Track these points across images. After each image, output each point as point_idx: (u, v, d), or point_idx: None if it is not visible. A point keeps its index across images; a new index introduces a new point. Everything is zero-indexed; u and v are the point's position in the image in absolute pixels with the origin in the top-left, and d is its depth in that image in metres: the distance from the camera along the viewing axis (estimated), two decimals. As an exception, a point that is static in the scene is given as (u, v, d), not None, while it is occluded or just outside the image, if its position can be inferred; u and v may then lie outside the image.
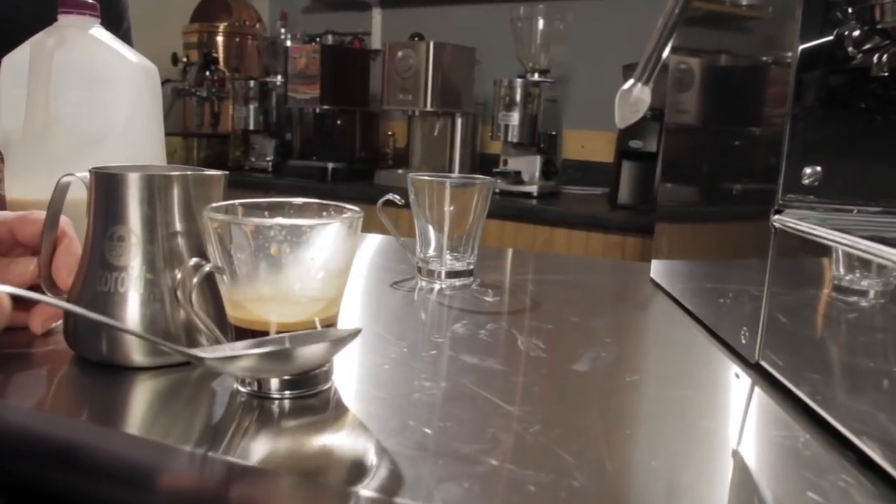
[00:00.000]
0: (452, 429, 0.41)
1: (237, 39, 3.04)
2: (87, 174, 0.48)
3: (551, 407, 0.45)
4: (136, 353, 0.47)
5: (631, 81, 0.49)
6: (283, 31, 2.99)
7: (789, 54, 0.52)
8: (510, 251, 1.09)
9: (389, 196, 0.76)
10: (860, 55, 0.53)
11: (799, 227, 0.48)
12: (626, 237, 1.95)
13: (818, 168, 0.51)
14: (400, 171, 2.49)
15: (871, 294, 0.41)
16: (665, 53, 0.49)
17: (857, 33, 0.52)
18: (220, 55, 2.99)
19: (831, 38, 0.53)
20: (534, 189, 2.27)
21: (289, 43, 2.80)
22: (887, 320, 0.40)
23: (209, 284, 0.47)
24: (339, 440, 0.40)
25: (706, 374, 0.55)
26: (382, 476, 0.35)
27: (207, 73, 2.93)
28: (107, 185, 0.47)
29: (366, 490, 0.34)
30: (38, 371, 0.48)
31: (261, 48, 3.04)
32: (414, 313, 0.67)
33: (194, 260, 0.41)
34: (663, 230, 0.82)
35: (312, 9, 3.16)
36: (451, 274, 0.77)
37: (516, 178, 2.28)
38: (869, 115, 0.55)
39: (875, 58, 0.52)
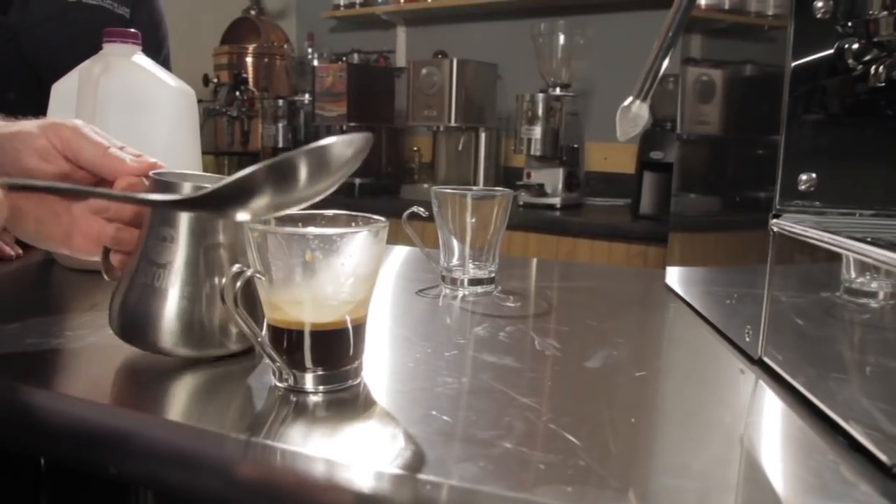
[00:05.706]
0: (471, 417, 0.45)
1: (266, 60, 3.12)
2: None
3: (562, 399, 0.49)
4: (179, 344, 0.51)
5: (630, 98, 0.53)
6: (310, 50, 3.07)
7: (784, 68, 0.56)
8: (534, 261, 1.12)
9: (414, 209, 0.80)
10: (860, 66, 0.56)
11: (794, 230, 0.51)
12: (648, 247, 1.97)
13: (813, 175, 0.55)
14: (425, 185, 2.53)
15: (874, 293, 0.44)
16: (661, 72, 0.53)
17: (856, 46, 0.55)
18: (250, 75, 3.07)
19: (832, 51, 0.56)
20: (557, 201, 2.30)
21: (316, 62, 2.87)
22: (878, 317, 0.43)
23: (244, 287, 0.51)
24: (369, 427, 0.44)
25: (713, 369, 0.58)
26: (407, 456, 0.39)
27: (237, 93, 3.01)
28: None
29: (392, 468, 0.38)
30: (85, 361, 0.53)
31: (289, 68, 3.12)
32: (438, 318, 0.71)
33: (237, 266, 0.45)
34: (676, 237, 0.85)
35: (338, 28, 3.24)
36: (474, 281, 0.81)
37: (539, 190, 2.32)
38: (864, 123, 0.58)
39: (873, 69, 0.56)
